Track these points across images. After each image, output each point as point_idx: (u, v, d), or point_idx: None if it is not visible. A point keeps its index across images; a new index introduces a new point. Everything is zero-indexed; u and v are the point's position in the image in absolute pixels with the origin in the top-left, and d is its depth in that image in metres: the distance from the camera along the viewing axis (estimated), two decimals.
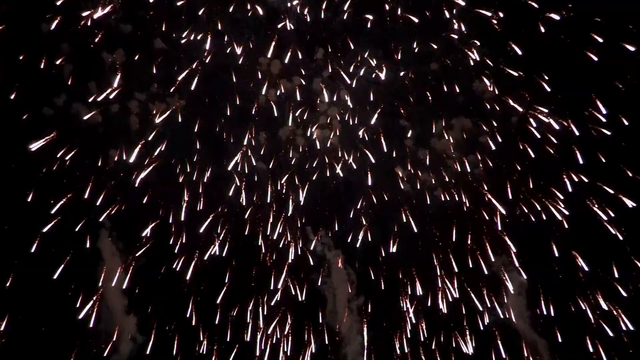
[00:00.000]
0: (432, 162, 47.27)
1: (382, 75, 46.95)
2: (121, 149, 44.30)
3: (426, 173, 47.13)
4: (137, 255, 44.72)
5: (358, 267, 48.36)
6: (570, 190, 43.33)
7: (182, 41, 45.07)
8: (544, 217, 44.01)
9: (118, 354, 43.97)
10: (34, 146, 41.19)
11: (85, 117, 43.67)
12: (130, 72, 44.87)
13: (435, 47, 46.38)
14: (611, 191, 42.29)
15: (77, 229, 43.49)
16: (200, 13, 45.16)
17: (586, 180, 43.02)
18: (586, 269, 43.29)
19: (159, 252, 44.95)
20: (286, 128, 48.13)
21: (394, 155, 47.64)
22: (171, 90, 45.95)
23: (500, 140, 45.46)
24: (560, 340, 44.24)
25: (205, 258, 45.31)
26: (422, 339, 46.36)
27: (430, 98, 47.42)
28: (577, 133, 43.09)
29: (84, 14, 42.72)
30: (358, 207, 47.61)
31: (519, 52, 43.69)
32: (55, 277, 42.13)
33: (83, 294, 42.97)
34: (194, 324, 45.51)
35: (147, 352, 44.30)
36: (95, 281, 43.88)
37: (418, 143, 47.78)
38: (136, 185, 44.37)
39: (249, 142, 47.00)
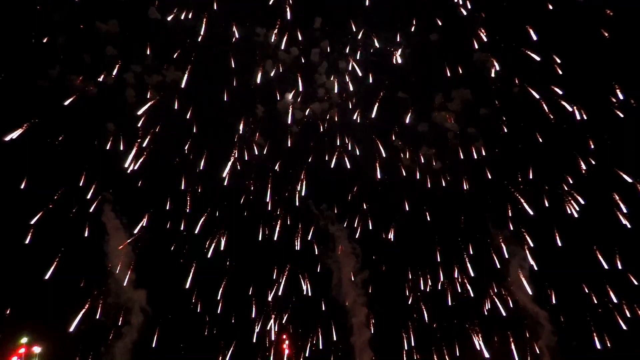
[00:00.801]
0: (433, 139, 45.96)
1: (379, 45, 45.17)
2: (117, 136, 43.07)
3: (426, 148, 45.89)
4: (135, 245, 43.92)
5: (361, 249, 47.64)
6: (582, 180, 42.15)
7: (169, 18, 42.95)
8: (555, 206, 42.84)
9: (129, 325, 43.35)
10: (11, 136, 39.34)
11: (80, 93, 41.94)
12: (125, 43, 42.95)
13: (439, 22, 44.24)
14: (629, 179, 40.83)
15: (73, 216, 42.50)
16: None
17: (598, 169, 41.65)
18: (601, 260, 42.46)
19: (158, 242, 44.12)
20: (285, 102, 46.38)
21: (395, 131, 46.38)
22: (165, 67, 44.08)
23: (504, 119, 44.02)
24: (565, 328, 43.84)
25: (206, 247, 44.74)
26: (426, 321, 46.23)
27: (430, 71, 45.49)
28: (579, 118, 41.54)
29: None
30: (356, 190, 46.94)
31: (532, 33, 41.41)
32: (51, 270, 41.21)
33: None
34: (199, 310, 45.21)
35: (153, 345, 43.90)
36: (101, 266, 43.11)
37: (419, 117, 46.04)
38: (128, 172, 43.17)
39: (247, 123, 45.64)
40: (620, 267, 41.85)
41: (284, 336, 46.87)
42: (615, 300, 42.06)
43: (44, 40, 40.99)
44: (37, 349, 41.32)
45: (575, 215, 42.15)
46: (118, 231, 43.43)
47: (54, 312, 40.85)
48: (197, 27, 43.54)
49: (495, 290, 44.86)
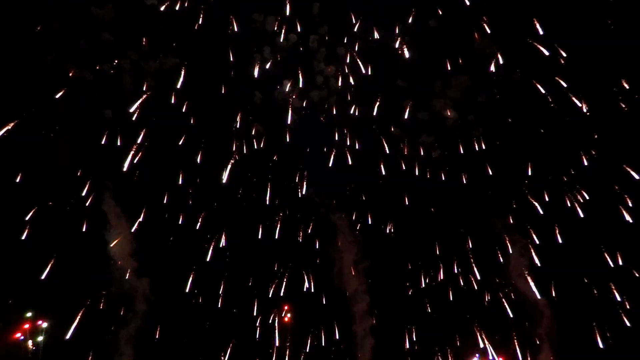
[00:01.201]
0: (434, 129, 45.53)
1: (378, 35, 44.26)
2: (114, 129, 42.36)
3: (425, 135, 45.48)
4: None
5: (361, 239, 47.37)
6: (585, 174, 41.51)
7: (162, 8, 41.80)
8: (557, 201, 42.38)
9: (134, 312, 43.21)
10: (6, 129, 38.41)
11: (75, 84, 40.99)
12: (122, 30, 41.77)
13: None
14: (636, 176, 40.09)
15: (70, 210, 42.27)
16: None
17: (602, 163, 40.98)
18: (606, 257, 41.97)
19: (157, 239, 43.86)
20: (284, 92, 45.58)
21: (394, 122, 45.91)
22: (160, 56, 43.17)
23: (507, 111, 43.27)
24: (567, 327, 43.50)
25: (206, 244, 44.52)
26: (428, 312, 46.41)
27: (431, 62, 44.58)
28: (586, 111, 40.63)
29: None
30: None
31: (536, 24, 40.31)
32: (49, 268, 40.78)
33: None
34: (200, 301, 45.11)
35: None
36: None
37: (418, 108, 45.41)
38: (125, 167, 42.57)
39: (245, 113, 45.19)
40: (623, 263, 41.43)
41: (286, 307, 46.91)
42: (618, 298, 41.80)
43: (38, 29, 39.81)
44: (43, 324, 40.74)
45: (579, 210, 41.76)
46: (115, 226, 42.87)
47: (53, 310, 40.80)
48: (194, 17, 42.54)
49: (497, 280, 44.78)
